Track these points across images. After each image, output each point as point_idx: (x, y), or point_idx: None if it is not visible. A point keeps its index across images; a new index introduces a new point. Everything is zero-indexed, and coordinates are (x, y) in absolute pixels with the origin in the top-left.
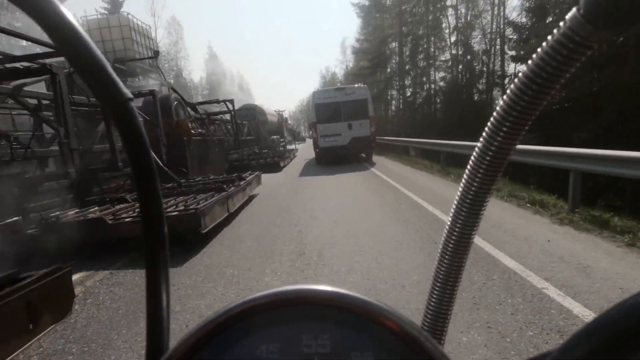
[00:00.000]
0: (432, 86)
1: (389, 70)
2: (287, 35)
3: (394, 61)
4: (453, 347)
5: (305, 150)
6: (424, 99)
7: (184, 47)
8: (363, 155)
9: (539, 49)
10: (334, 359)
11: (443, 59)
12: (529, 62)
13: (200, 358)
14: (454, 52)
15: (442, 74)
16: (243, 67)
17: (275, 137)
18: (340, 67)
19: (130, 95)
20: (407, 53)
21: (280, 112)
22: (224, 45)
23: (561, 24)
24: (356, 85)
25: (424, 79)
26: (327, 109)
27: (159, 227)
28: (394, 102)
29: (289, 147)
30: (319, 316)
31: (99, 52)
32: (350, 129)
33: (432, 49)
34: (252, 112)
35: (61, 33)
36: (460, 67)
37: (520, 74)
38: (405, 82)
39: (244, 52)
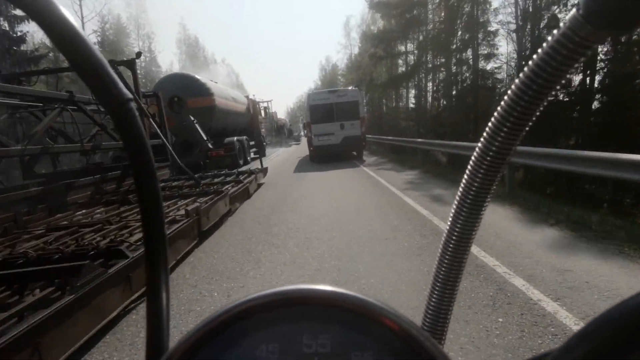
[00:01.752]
0: (476, 65)
1: (424, 32)
2: (283, 26)
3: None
4: None
5: (288, 163)
6: (463, 84)
7: (149, 23)
8: (355, 153)
9: (539, 50)
10: (334, 359)
11: (496, 24)
12: (529, 62)
13: (200, 358)
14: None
15: (485, 50)
16: (232, 55)
17: (238, 139)
18: (344, 52)
19: (130, 95)
20: (442, 18)
21: (254, 99)
22: (205, 29)
23: (561, 24)
24: (349, 88)
25: (469, 53)
26: (320, 110)
27: (159, 227)
28: (429, 86)
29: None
30: (319, 316)
31: (98, 52)
32: (342, 128)
33: (476, 13)
34: (160, 88)
35: (60, 33)
36: (528, 27)
37: (520, 75)
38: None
39: (233, 41)
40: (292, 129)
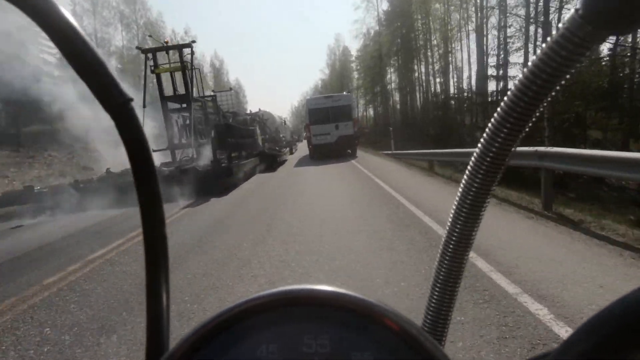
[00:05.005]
0: None
1: None
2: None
3: None
4: None
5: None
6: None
7: None
8: (349, 151)
9: (538, 50)
10: (334, 359)
11: None
12: (529, 63)
13: (200, 358)
14: None
15: None
16: (221, 46)
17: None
18: (368, 7)
19: (130, 96)
20: None
21: None
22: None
23: (560, 24)
24: (344, 93)
25: None
26: (318, 113)
27: (159, 228)
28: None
29: None
30: (319, 316)
31: (98, 52)
32: (337, 129)
33: None
34: None
35: (61, 33)
36: None
37: (520, 75)
38: None
39: (224, 31)
40: (268, 128)
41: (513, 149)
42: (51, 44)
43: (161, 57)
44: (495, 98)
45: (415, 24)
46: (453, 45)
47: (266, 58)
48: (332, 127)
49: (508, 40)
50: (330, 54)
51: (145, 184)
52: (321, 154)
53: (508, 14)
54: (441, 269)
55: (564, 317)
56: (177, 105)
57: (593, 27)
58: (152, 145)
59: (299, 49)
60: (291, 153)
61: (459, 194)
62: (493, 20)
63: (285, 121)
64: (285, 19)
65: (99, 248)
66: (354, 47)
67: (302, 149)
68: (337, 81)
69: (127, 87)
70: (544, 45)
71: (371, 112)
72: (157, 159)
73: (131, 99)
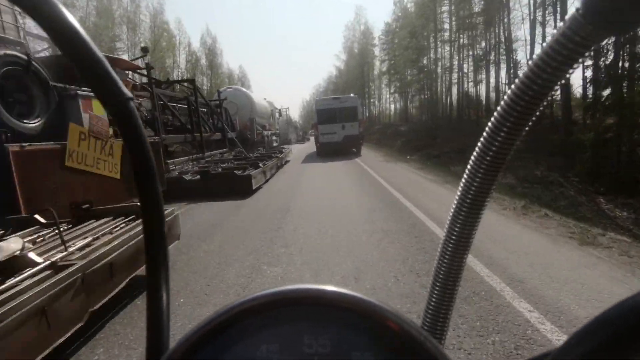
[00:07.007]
0: None
1: None
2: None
3: None
4: None
5: None
6: None
7: None
8: (354, 149)
9: (539, 49)
10: (334, 359)
11: None
12: (530, 62)
13: (200, 358)
14: None
15: None
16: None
17: None
18: None
19: (130, 94)
20: None
21: None
22: None
23: (561, 24)
24: (351, 95)
25: None
26: (326, 113)
27: (159, 227)
28: None
29: None
30: (319, 316)
31: (98, 52)
32: (343, 129)
33: None
34: None
35: (61, 32)
36: None
37: (521, 74)
38: None
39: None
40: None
41: (514, 147)
42: None
43: None
44: None
45: None
46: None
47: (276, 47)
48: (339, 127)
49: None
50: (348, 34)
51: (145, 182)
52: (327, 152)
53: None
54: (440, 269)
55: None
56: None
57: (593, 27)
58: None
59: (312, 38)
60: (253, 189)
61: (458, 193)
62: None
63: (281, 112)
64: (297, 4)
65: None
66: (380, 19)
67: (298, 157)
68: (357, 68)
69: None
70: (544, 44)
71: (393, 106)
72: None
73: (131, 98)
